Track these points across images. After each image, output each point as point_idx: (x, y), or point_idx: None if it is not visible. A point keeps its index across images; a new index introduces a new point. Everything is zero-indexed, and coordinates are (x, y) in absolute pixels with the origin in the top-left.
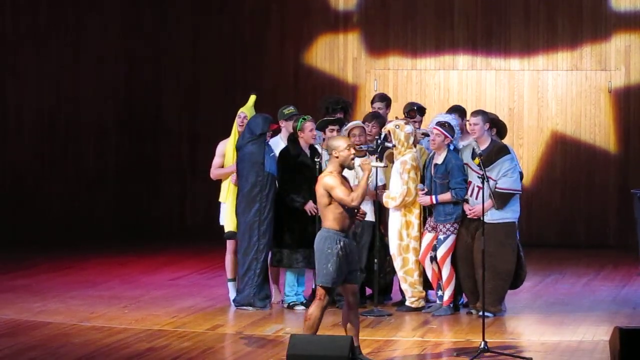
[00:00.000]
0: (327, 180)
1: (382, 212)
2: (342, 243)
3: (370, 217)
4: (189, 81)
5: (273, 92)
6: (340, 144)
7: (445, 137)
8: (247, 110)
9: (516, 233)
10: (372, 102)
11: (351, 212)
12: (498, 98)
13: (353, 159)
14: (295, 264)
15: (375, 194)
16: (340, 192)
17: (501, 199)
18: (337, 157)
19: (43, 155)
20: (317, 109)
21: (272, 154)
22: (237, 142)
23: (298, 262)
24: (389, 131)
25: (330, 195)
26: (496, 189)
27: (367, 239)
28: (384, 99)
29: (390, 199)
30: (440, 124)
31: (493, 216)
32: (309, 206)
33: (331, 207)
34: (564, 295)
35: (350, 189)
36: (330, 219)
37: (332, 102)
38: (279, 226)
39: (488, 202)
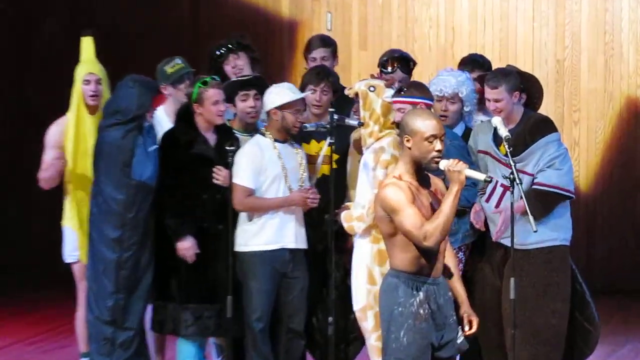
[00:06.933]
0: (388, 193)
1: (341, 235)
2: (421, 295)
3: (302, 243)
4: None
5: (161, 38)
6: (417, 125)
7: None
8: (94, 66)
9: (568, 264)
10: (308, 51)
11: (430, 250)
12: (537, 42)
13: (436, 158)
14: (183, 329)
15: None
16: (407, 219)
17: (542, 203)
18: (409, 148)
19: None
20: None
21: (152, 148)
22: (99, 123)
23: (187, 325)
24: (356, 94)
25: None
26: (534, 187)
27: (306, 282)
28: (328, 44)
29: (356, 219)
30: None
31: (526, 239)
32: (184, 250)
33: (397, 240)
34: None
35: (432, 210)
36: (398, 256)
37: (227, 41)
38: (162, 266)
39: (516, 206)
